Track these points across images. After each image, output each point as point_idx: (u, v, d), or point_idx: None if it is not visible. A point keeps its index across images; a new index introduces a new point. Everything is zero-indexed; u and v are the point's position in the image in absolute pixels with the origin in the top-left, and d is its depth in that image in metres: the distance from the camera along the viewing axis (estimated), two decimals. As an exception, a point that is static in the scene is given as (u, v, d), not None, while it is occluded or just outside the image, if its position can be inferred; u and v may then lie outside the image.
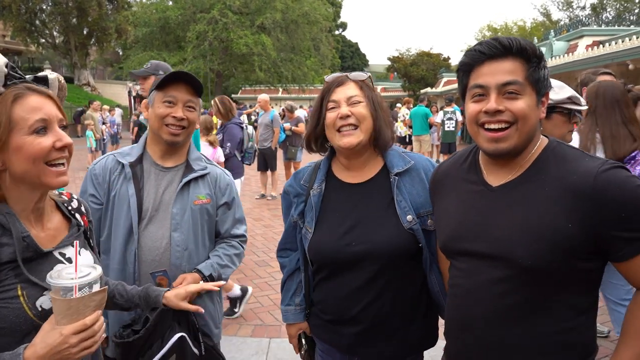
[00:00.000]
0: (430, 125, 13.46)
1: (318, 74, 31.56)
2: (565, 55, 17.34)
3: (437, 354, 1.68)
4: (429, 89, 29.94)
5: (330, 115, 1.71)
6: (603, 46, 14.71)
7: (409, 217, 1.67)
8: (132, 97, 25.79)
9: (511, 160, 1.36)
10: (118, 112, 20.46)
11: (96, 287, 1.14)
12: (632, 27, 23.55)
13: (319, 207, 1.78)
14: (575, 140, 2.71)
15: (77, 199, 1.47)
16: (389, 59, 38.73)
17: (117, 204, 1.97)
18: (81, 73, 36.73)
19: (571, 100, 2.32)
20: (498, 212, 1.34)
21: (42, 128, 1.19)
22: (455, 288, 1.45)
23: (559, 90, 2.33)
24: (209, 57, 26.48)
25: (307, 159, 2.53)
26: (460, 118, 12.75)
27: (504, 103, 1.29)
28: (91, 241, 1.48)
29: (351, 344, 1.74)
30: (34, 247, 1.21)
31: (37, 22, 33.45)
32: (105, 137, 15.18)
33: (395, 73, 39.23)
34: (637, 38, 12.86)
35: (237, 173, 5.79)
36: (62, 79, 1.35)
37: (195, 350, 1.85)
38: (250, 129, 6.42)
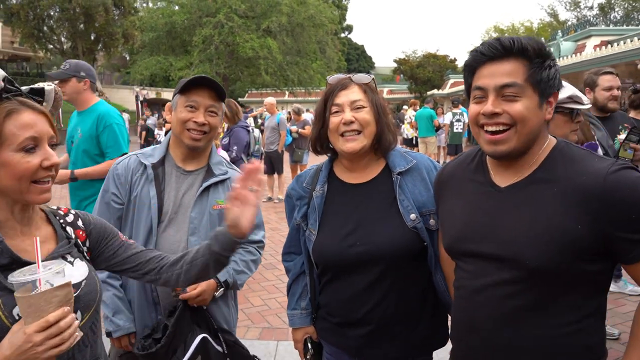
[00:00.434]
0: (438, 128, 13.42)
1: (324, 77, 31.33)
2: (573, 55, 17.22)
3: (444, 356, 1.67)
4: (435, 91, 29.87)
5: (334, 120, 1.70)
6: (611, 46, 14.58)
7: (413, 216, 1.66)
8: (139, 102, 26.00)
9: (518, 161, 1.34)
10: (125, 116, 20.50)
11: (58, 282, 1.08)
12: (640, 26, 23.39)
13: (322, 209, 1.77)
14: None
15: (74, 214, 1.43)
16: (395, 61, 38.61)
17: (139, 205, 1.97)
18: (89, 78, 36.80)
19: (572, 99, 2.29)
20: (505, 213, 1.32)
21: (32, 147, 1.19)
22: (461, 290, 1.44)
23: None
24: (215, 61, 26.52)
25: (314, 161, 2.53)
26: (467, 120, 12.68)
27: (502, 105, 1.28)
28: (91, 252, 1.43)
29: (359, 346, 1.73)
30: (8, 253, 1.18)
31: (45, 28, 33.70)
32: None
33: (402, 75, 39.11)
34: (646, 37, 12.77)
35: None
36: (59, 90, 1.35)
37: (219, 348, 1.87)
38: (256, 132, 6.43)
